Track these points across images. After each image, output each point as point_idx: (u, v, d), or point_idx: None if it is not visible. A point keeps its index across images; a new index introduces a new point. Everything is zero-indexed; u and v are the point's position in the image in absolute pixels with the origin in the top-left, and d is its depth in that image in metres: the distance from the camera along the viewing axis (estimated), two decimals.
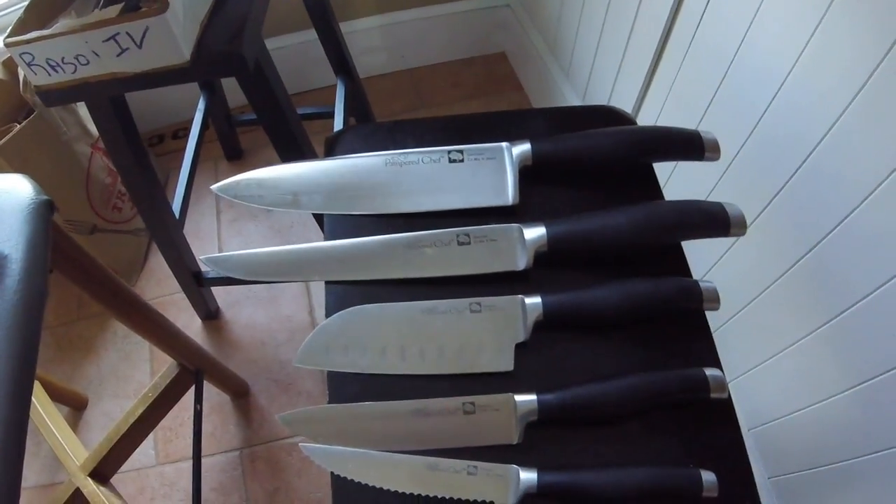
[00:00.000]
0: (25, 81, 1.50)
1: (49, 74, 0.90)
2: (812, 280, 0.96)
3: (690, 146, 0.77)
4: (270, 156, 1.93)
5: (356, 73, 1.63)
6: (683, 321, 0.72)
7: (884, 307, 0.82)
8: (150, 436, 1.62)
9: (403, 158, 0.76)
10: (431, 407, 0.64)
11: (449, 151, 0.76)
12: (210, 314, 1.71)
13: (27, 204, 0.81)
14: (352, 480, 0.63)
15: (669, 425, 0.67)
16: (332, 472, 0.64)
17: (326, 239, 0.76)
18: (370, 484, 0.63)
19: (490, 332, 0.68)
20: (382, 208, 0.75)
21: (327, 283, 0.72)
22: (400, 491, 0.62)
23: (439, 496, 0.62)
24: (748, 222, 0.72)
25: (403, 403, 0.65)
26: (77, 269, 1.04)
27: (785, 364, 1.07)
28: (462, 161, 0.76)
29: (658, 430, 0.67)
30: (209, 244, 1.83)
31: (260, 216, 1.85)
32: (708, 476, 0.62)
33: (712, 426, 0.68)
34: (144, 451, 1.62)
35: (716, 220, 0.72)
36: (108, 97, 1.06)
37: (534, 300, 0.68)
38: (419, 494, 0.62)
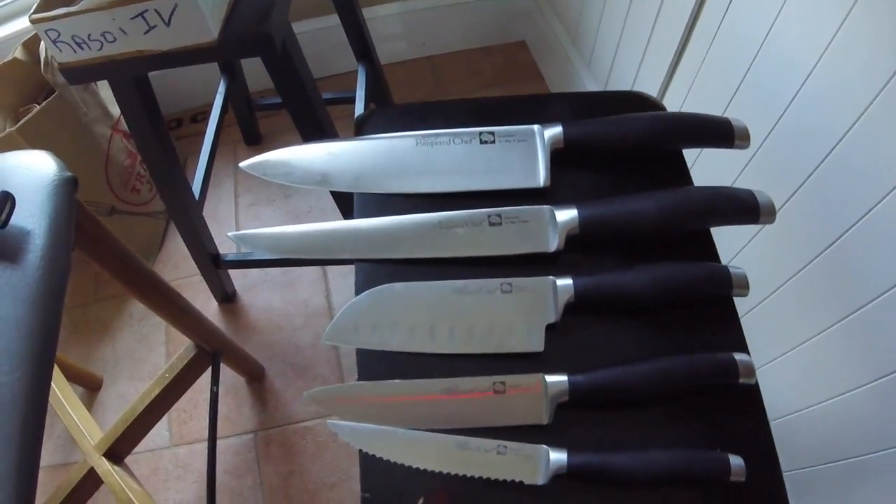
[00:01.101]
0: (47, 61, 1.50)
1: (74, 52, 0.90)
2: (832, 274, 0.95)
3: (721, 133, 0.76)
4: (290, 140, 1.93)
5: (378, 59, 1.62)
6: (712, 307, 0.71)
7: None
8: (165, 417, 1.62)
9: (434, 139, 0.76)
10: (461, 386, 0.64)
11: (480, 133, 0.76)
12: (227, 297, 1.71)
13: (51, 180, 0.82)
14: (380, 458, 0.63)
15: (698, 409, 0.66)
16: (360, 450, 0.63)
17: (356, 218, 0.75)
18: (398, 462, 0.63)
19: (520, 313, 0.67)
20: (412, 188, 0.75)
21: (357, 261, 0.72)
22: (428, 469, 0.62)
23: (468, 475, 0.62)
24: (779, 202, 0.71)
25: (433, 382, 0.65)
26: (99, 248, 1.04)
27: (802, 358, 1.07)
28: (493, 143, 0.76)
29: (686, 413, 0.66)
30: (226, 228, 1.83)
31: (277, 201, 1.85)
32: (736, 460, 0.62)
33: (740, 412, 0.67)
34: (159, 433, 1.62)
35: (746, 207, 0.72)
36: (133, 76, 1.06)
37: (565, 282, 0.68)
38: (448, 473, 0.62)
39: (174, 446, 1.62)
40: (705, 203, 0.73)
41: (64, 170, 0.83)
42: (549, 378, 0.64)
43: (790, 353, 1.09)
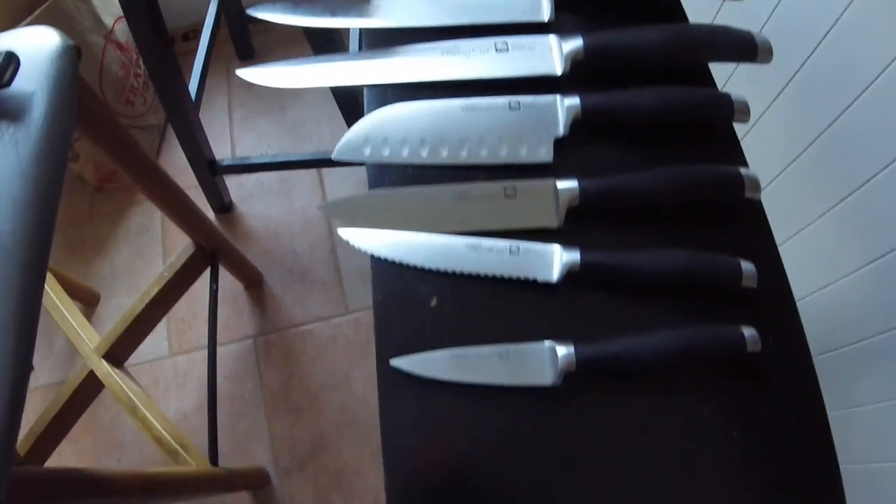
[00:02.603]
0: None
1: None
2: (826, 160, 0.96)
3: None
4: (283, 55, 1.91)
5: None
6: (714, 132, 0.72)
7: (891, 187, 0.83)
8: (164, 326, 1.63)
9: None
10: (472, 191, 0.65)
11: None
12: (224, 207, 1.71)
13: (54, 48, 0.82)
14: (391, 262, 0.63)
15: (706, 221, 0.67)
16: (371, 256, 0.64)
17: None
18: (410, 264, 0.63)
19: (529, 127, 0.68)
20: (420, 22, 0.75)
21: (367, 86, 0.72)
22: (441, 269, 0.63)
23: (481, 274, 0.62)
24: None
25: (444, 187, 0.65)
26: (100, 128, 1.04)
27: (798, 248, 1.08)
28: None
29: (696, 224, 0.67)
30: (222, 142, 1.83)
31: (273, 113, 1.85)
32: (747, 265, 0.63)
33: (747, 226, 0.69)
34: (158, 343, 1.63)
35: (745, 44, 0.72)
36: None
37: (572, 99, 0.68)
38: (460, 273, 0.62)
39: (173, 356, 1.63)
40: (706, 36, 0.73)
41: (66, 40, 0.84)
42: (560, 183, 0.65)
43: (786, 245, 1.10)
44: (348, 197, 0.66)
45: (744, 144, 1.05)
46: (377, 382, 0.60)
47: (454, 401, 0.59)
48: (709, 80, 0.76)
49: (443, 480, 0.58)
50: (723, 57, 0.75)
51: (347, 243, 0.64)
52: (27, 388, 0.69)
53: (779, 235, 1.08)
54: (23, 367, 0.68)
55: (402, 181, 0.67)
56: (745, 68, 1.04)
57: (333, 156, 0.68)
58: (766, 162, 1.07)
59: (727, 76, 1.09)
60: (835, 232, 0.99)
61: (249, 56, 1.92)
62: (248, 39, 1.88)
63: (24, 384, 0.68)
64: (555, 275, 0.62)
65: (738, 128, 0.73)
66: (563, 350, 0.59)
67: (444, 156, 0.67)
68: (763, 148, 1.07)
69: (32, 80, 0.79)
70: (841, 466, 0.59)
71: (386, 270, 0.64)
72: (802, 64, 0.92)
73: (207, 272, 1.41)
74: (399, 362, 0.60)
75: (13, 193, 0.73)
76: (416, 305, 0.62)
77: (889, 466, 1.02)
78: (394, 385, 0.60)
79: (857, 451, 1.06)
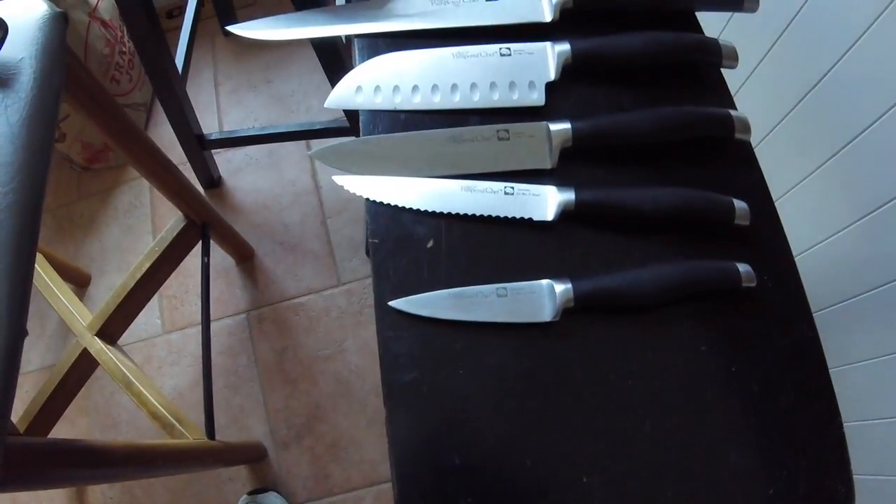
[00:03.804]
0: None
1: None
2: (814, 118, 0.96)
3: None
4: None
5: None
6: (704, 77, 0.73)
7: (883, 138, 0.83)
8: (155, 305, 1.63)
9: None
10: (466, 134, 0.65)
11: None
12: (212, 182, 1.70)
13: (41, 15, 0.83)
14: (387, 205, 0.64)
15: (698, 160, 0.68)
16: (367, 199, 0.64)
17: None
18: (406, 206, 0.63)
19: (521, 72, 0.68)
20: None
21: (356, 36, 0.72)
22: (437, 211, 0.63)
23: (477, 215, 0.63)
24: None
25: (437, 131, 0.65)
26: (89, 97, 1.04)
27: (790, 204, 1.08)
28: None
29: (687, 164, 0.68)
30: (209, 117, 1.82)
31: (259, 86, 1.84)
32: (740, 204, 0.64)
33: (739, 165, 0.69)
34: (150, 321, 1.63)
35: None
36: None
37: (562, 45, 0.69)
38: (456, 214, 0.63)
39: (166, 333, 1.63)
40: None
41: (53, 7, 0.84)
42: (552, 125, 0.65)
43: (779, 202, 1.10)
44: (341, 142, 0.66)
45: (743, 95, 1.06)
46: (376, 324, 0.61)
47: (453, 339, 0.60)
48: (696, 29, 0.77)
49: (444, 418, 0.58)
50: (710, 4, 0.75)
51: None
52: (21, 352, 0.69)
53: (772, 192, 1.10)
54: (17, 329, 0.68)
55: (394, 127, 0.68)
56: (736, 24, 1.04)
57: (326, 104, 0.68)
58: (757, 118, 1.08)
59: (717, 32, 1.10)
60: (828, 187, 0.99)
61: None
62: (232, 13, 1.87)
63: (19, 347, 0.68)
64: (550, 213, 0.62)
65: (729, 84, 0.73)
66: (560, 287, 0.59)
67: (436, 101, 0.67)
68: (754, 104, 1.08)
69: (21, 47, 0.79)
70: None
71: (382, 215, 0.64)
72: (791, 19, 0.93)
73: (198, 247, 1.41)
74: (398, 303, 0.60)
75: (4, 158, 0.74)
76: (413, 247, 0.63)
77: (885, 422, 1.03)
78: (393, 326, 0.60)
79: (854, 408, 1.07)
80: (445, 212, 0.63)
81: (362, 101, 0.68)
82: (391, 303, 0.60)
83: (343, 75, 0.69)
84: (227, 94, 1.84)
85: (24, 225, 0.72)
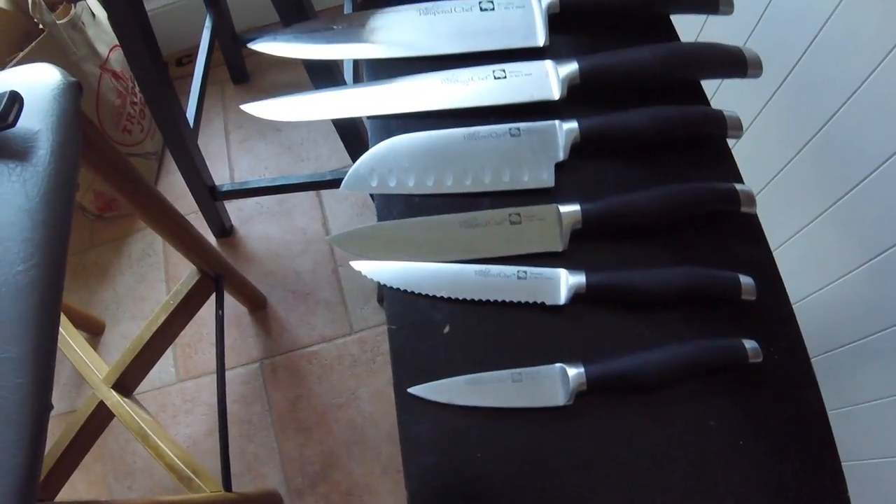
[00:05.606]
0: (35, 2, 1.50)
1: None
2: (819, 162, 0.98)
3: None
4: (277, 78, 1.95)
5: None
6: (708, 149, 0.74)
7: (888, 182, 0.85)
8: (170, 354, 1.64)
9: (436, 8, 0.78)
10: (479, 218, 0.67)
11: (479, 1, 0.78)
12: (224, 231, 1.72)
13: (56, 85, 0.84)
14: (403, 291, 0.65)
15: (704, 237, 0.70)
16: (384, 286, 0.66)
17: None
18: (421, 293, 0.65)
19: (530, 153, 0.70)
20: (418, 52, 0.77)
21: (370, 117, 0.74)
22: (451, 297, 0.65)
23: (490, 300, 0.64)
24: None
25: (451, 216, 0.67)
26: (99, 157, 1.05)
27: (794, 250, 1.10)
28: (493, 10, 0.78)
29: (693, 240, 0.69)
30: (220, 165, 1.84)
31: (269, 135, 1.86)
32: (746, 280, 0.65)
33: (744, 239, 0.70)
34: (164, 370, 1.64)
35: (734, 59, 0.74)
36: None
37: (570, 124, 0.71)
38: (470, 300, 0.64)
39: (181, 381, 1.64)
40: (696, 54, 0.76)
41: (67, 77, 0.85)
42: (562, 207, 0.67)
43: (783, 247, 1.12)
44: (357, 229, 0.68)
45: (736, 151, 1.08)
46: (396, 409, 0.62)
47: (471, 424, 0.61)
48: (700, 95, 0.78)
49: (464, 498, 0.60)
50: (713, 73, 0.77)
51: (352, 268, 0.66)
52: (47, 426, 0.70)
53: (774, 239, 1.11)
54: (42, 406, 0.69)
55: (408, 211, 0.69)
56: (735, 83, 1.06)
57: (342, 188, 0.70)
58: (758, 168, 1.10)
59: (716, 85, 1.11)
60: (829, 234, 1.01)
61: (244, 79, 1.94)
62: (241, 62, 1.90)
63: (45, 423, 0.70)
64: (562, 297, 0.64)
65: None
66: (573, 371, 0.61)
67: (448, 184, 0.69)
68: (755, 155, 1.09)
69: (37, 119, 0.80)
70: (843, 463, 0.62)
71: (399, 300, 0.66)
72: (790, 71, 0.94)
73: (212, 298, 1.42)
74: (416, 390, 0.61)
75: (24, 233, 0.74)
76: (430, 333, 0.64)
77: (889, 461, 1.04)
78: (412, 411, 0.62)
79: (858, 448, 1.08)
80: (461, 297, 0.64)
81: (377, 185, 0.69)
82: (410, 390, 0.62)
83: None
84: (238, 142, 1.86)
85: (45, 302, 0.73)
